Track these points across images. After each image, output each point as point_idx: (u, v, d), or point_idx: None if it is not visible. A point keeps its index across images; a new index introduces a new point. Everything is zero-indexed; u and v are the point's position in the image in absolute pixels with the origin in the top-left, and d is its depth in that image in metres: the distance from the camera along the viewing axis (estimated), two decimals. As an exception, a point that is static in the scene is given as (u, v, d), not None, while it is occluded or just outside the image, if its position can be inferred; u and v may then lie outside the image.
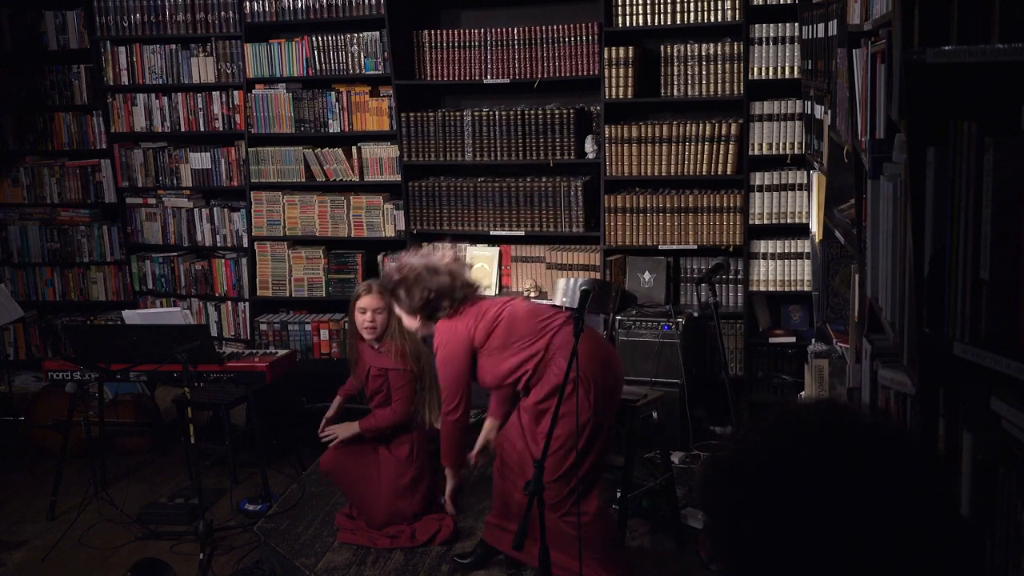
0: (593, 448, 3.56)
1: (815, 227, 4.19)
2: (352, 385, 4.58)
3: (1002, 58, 1.55)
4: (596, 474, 3.63)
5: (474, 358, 3.73)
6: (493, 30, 5.56)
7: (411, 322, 3.89)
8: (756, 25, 5.13)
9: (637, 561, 3.90)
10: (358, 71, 5.80)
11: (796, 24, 4.92)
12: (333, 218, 5.96)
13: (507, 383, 3.72)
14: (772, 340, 5.32)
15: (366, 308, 4.28)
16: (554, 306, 4.28)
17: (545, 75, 5.50)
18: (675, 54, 5.28)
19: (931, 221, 1.62)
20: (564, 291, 5.28)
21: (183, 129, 6.21)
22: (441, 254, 3.87)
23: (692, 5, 5.22)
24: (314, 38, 5.83)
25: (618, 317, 5.23)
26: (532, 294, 5.66)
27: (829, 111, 3.48)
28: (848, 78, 2.77)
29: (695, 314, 5.29)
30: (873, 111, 2.28)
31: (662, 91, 5.34)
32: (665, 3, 5.25)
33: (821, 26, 3.80)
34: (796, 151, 5.13)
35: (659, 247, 5.42)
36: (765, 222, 5.28)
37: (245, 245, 6.18)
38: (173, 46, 6.12)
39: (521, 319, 3.68)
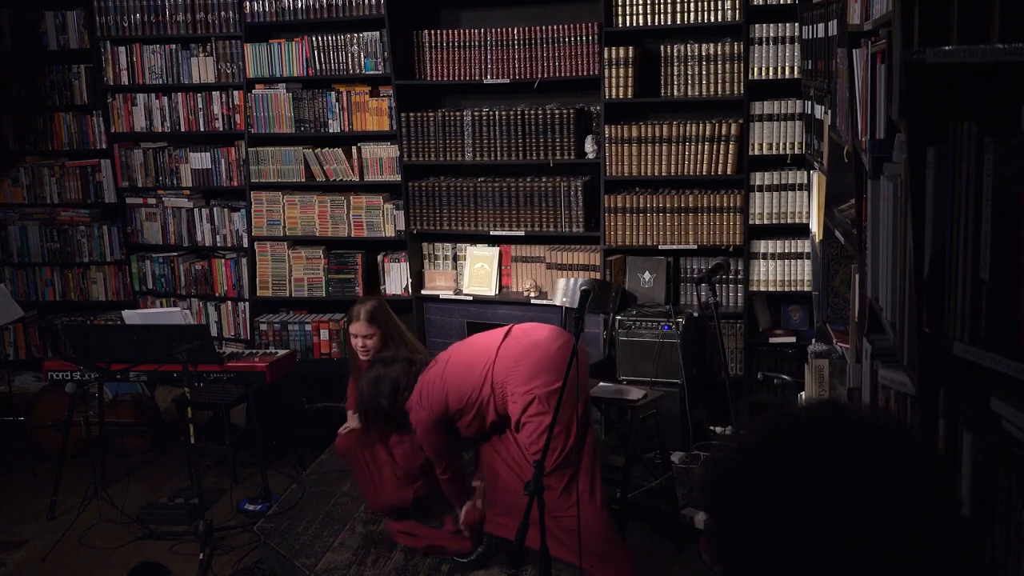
0: (567, 444, 3.62)
1: (815, 227, 4.19)
2: (354, 400, 4.60)
3: (1002, 58, 1.55)
4: (584, 465, 3.65)
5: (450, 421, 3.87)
6: (493, 30, 5.56)
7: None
8: (756, 25, 5.12)
9: (637, 561, 3.89)
10: (358, 71, 5.80)
11: (796, 24, 4.92)
12: (333, 218, 5.96)
13: (488, 428, 3.81)
14: (772, 340, 5.32)
15: (356, 334, 4.41)
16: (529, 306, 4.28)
17: (545, 75, 5.50)
18: (675, 54, 5.28)
19: (931, 221, 1.62)
20: (564, 291, 5.28)
21: (183, 129, 6.21)
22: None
23: (692, 5, 5.22)
24: (314, 38, 5.83)
25: (618, 317, 5.23)
26: (532, 294, 5.66)
27: (829, 111, 3.48)
28: (848, 78, 2.77)
29: (695, 314, 5.29)
30: (873, 111, 2.28)
31: (662, 91, 5.34)
32: (665, 3, 5.25)
33: (821, 26, 3.80)
34: (796, 151, 5.13)
35: (659, 247, 5.42)
36: (765, 222, 5.28)
37: (245, 245, 6.18)
38: (173, 46, 6.13)
39: (464, 374, 3.77)
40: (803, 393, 4.19)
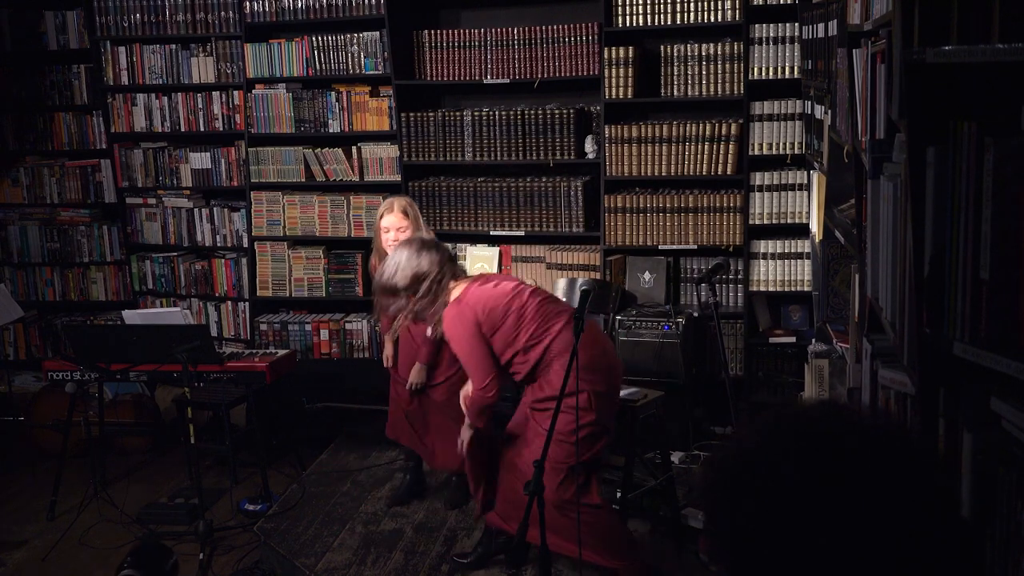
0: (594, 447, 3.57)
1: (815, 227, 4.19)
2: (385, 325, 4.61)
3: (1002, 58, 1.55)
4: (596, 467, 3.62)
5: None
6: (493, 30, 5.56)
7: (424, 322, 3.77)
8: (756, 25, 5.12)
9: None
10: (358, 71, 5.80)
11: (796, 24, 4.92)
12: (333, 218, 5.96)
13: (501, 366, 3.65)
14: (772, 340, 5.32)
15: (389, 227, 4.39)
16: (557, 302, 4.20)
17: (545, 75, 5.50)
18: (675, 54, 5.28)
19: (931, 221, 1.62)
20: (564, 291, 5.28)
21: (183, 129, 6.21)
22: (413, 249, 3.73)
23: (692, 5, 5.22)
24: (314, 38, 5.83)
25: (618, 317, 5.22)
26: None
27: (829, 111, 3.48)
28: (848, 78, 2.77)
29: (695, 314, 5.29)
30: (873, 111, 2.28)
31: (662, 91, 5.34)
32: (665, 3, 5.25)
33: (821, 26, 3.80)
34: (796, 151, 5.13)
35: (659, 247, 5.42)
36: (765, 222, 5.28)
37: (245, 245, 6.18)
38: (173, 46, 6.13)
39: (528, 320, 3.60)
40: (803, 393, 4.19)
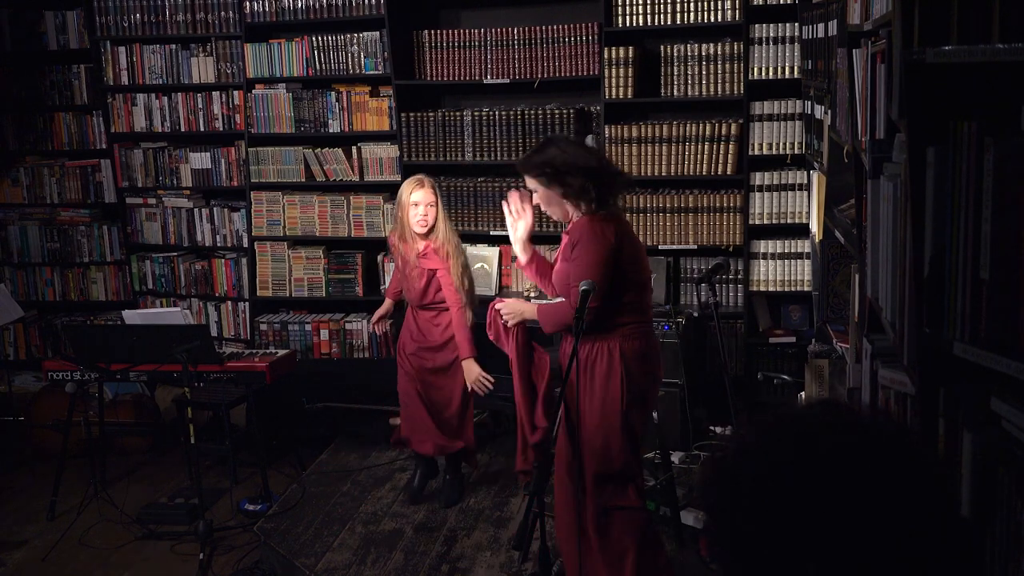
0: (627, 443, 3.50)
1: (815, 227, 4.19)
2: (395, 287, 4.78)
3: (1002, 58, 1.55)
4: (632, 466, 3.56)
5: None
6: (493, 30, 5.56)
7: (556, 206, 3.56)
8: (756, 25, 5.13)
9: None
10: (358, 71, 5.80)
11: (796, 24, 4.92)
12: (333, 218, 5.96)
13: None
14: (772, 340, 5.32)
15: (420, 202, 4.44)
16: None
17: (545, 75, 5.50)
18: (675, 54, 5.28)
19: (931, 221, 1.62)
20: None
21: (183, 129, 6.21)
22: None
23: (692, 5, 5.22)
24: (314, 38, 5.83)
25: (618, 317, 5.21)
26: (532, 294, 5.66)
27: (829, 111, 3.48)
28: (848, 78, 2.77)
29: (695, 314, 5.29)
30: (873, 111, 2.28)
31: (662, 91, 5.34)
32: (665, 3, 5.25)
33: (821, 26, 3.80)
34: (796, 151, 5.14)
35: (659, 247, 5.42)
36: (765, 222, 5.28)
37: (245, 245, 6.17)
38: (173, 46, 6.13)
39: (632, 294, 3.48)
40: (803, 393, 4.20)
